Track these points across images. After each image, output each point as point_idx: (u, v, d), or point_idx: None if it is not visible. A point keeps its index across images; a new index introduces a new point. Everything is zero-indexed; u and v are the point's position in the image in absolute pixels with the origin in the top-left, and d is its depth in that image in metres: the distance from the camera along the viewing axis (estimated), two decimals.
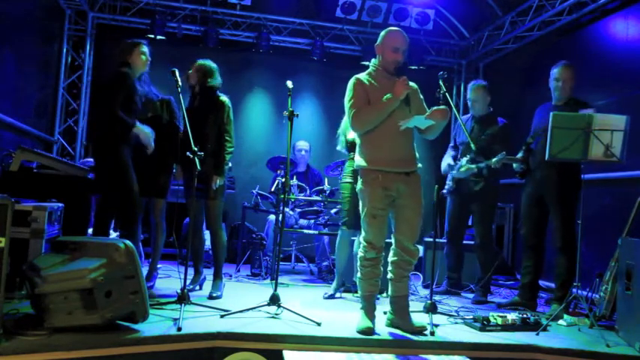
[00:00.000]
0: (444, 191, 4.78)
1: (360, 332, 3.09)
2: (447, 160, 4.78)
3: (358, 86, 3.24)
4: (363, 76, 3.30)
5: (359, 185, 3.25)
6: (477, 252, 4.60)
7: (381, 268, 3.26)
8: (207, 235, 4.68)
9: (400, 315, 3.27)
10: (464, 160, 4.46)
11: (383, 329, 3.28)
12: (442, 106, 3.12)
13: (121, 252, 2.78)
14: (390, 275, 3.28)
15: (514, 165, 4.24)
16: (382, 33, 3.31)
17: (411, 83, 3.29)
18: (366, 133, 3.22)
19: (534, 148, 4.17)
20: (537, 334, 3.35)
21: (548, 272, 4.53)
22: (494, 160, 4.20)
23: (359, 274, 3.25)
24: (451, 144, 4.90)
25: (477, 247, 4.58)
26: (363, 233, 3.22)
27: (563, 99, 4.12)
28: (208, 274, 4.62)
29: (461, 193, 4.60)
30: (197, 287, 4.29)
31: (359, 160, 3.25)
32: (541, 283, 4.50)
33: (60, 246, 2.97)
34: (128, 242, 2.86)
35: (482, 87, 4.67)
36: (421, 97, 3.37)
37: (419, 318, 3.38)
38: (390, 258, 3.27)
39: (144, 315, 2.88)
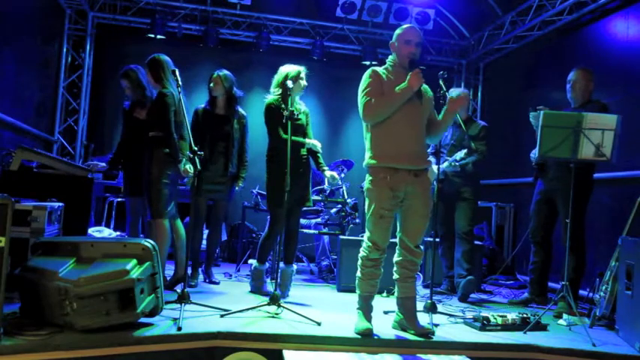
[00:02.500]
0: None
1: (360, 333, 3.07)
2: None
3: (374, 77, 3.20)
4: (379, 68, 3.27)
5: (366, 184, 3.21)
6: (460, 243, 4.65)
7: (382, 269, 3.24)
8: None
9: (408, 317, 3.24)
10: (461, 152, 4.51)
11: (381, 328, 3.27)
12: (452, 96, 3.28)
13: (148, 251, 2.89)
14: (395, 276, 3.26)
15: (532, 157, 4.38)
16: (396, 31, 3.31)
17: (425, 86, 3.29)
18: (376, 127, 3.17)
19: None
20: (524, 333, 3.36)
21: (554, 271, 4.54)
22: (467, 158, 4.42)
23: (359, 274, 3.22)
24: (430, 150, 4.96)
25: (461, 238, 4.64)
26: (367, 233, 3.19)
27: (577, 101, 4.17)
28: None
29: (446, 193, 4.64)
30: (194, 282, 4.33)
31: (368, 158, 3.21)
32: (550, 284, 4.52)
33: (51, 247, 2.98)
34: (151, 241, 2.97)
35: (467, 94, 4.96)
36: (433, 103, 3.36)
37: (419, 317, 3.37)
38: (395, 258, 3.26)
39: (161, 309, 3.03)
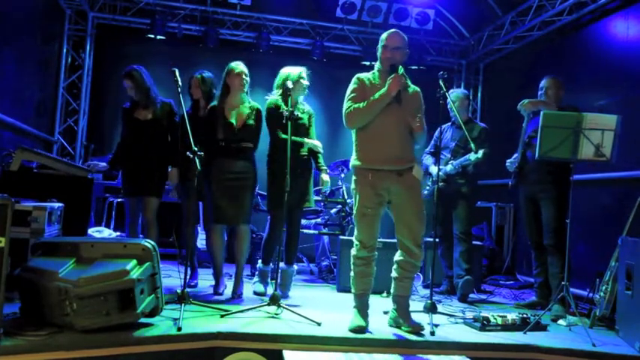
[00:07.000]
0: (426, 193, 4.86)
1: (352, 331, 3.10)
2: (428, 161, 4.92)
3: (358, 84, 3.30)
4: (364, 75, 3.35)
5: (351, 185, 3.32)
6: (458, 243, 4.65)
7: (375, 268, 3.29)
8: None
9: (402, 314, 3.30)
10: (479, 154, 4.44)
11: (381, 328, 3.28)
12: (417, 119, 3.23)
13: (148, 251, 2.90)
14: (393, 274, 3.32)
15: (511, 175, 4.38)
16: (381, 36, 3.37)
17: (415, 87, 3.37)
18: (359, 131, 3.28)
19: (529, 156, 4.22)
20: (524, 333, 3.36)
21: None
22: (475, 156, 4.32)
23: (352, 273, 3.29)
24: (430, 149, 4.99)
25: (459, 239, 4.65)
26: (355, 232, 3.28)
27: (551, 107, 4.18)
28: (206, 273, 4.64)
29: (445, 194, 4.63)
30: (194, 282, 4.35)
31: (352, 159, 3.31)
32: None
33: (51, 248, 2.98)
34: (151, 241, 2.97)
35: (467, 96, 5.01)
36: (422, 102, 3.38)
37: (419, 318, 3.38)
38: (396, 257, 3.31)
39: (161, 309, 3.04)
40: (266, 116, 4.12)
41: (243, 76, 3.96)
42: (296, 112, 4.02)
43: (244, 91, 4.01)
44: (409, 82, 3.33)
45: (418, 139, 3.33)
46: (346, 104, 3.25)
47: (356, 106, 3.19)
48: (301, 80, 4.11)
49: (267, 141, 4.21)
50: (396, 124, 3.22)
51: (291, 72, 4.12)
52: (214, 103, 3.99)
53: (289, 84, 3.79)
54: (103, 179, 5.99)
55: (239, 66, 3.97)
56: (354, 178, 3.30)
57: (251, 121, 3.96)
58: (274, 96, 4.14)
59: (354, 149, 3.32)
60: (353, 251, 3.28)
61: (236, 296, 3.97)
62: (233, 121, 3.91)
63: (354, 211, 3.27)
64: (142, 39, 7.05)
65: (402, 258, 3.26)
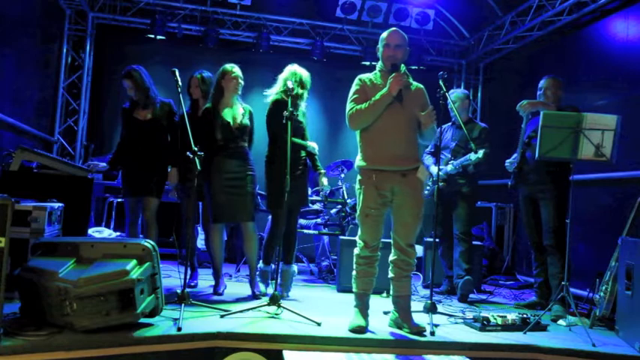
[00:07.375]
0: (426, 193, 4.87)
1: (352, 331, 3.10)
2: (428, 161, 4.92)
3: (360, 86, 3.30)
4: (366, 76, 3.35)
5: (356, 184, 3.32)
6: (458, 244, 4.66)
7: (377, 268, 3.29)
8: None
9: (402, 316, 3.28)
10: (480, 153, 4.43)
11: (381, 328, 3.28)
12: (427, 110, 3.19)
13: (147, 251, 2.90)
14: (390, 274, 3.32)
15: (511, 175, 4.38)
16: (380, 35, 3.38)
17: (417, 84, 3.37)
18: (363, 132, 3.28)
19: (528, 156, 4.22)
20: (524, 333, 3.36)
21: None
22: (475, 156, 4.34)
23: (354, 272, 3.30)
24: (430, 149, 5.00)
25: (459, 239, 4.66)
26: (358, 232, 3.29)
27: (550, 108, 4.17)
28: (206, 273, 4.64)
29: (445, 194, 4.64)
30: (194, 282, 4.37)
31: (357, 159, 3.31)
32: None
33: (51, 248, 2.98)
34: (151, 241, 2.98)
35: (467, 96, 5.02)
36: (426, 97, 3.37)
37: (419, 318, 3.38)
38: (390, 257, 3.31)
39: (161, 310, 3.04)
40: (269, 114, 4.08)
41: (239, 80, 4.01)
42: (296, 113, 4.00)
43: (238, 94, 4.06)
44: (411, 80, 3.32)
45: (427, 135, 3.29)
46: (349, 106, 3.26)
47: (358, 107, 3.19)
48: (304, 84, 4.11)
49: (264, 141, 4.21)
50: (398, 123, 3.21)
51: (296, 71, 4.12)
52: (208, 104, 4.01)
53: (289, 84, 3.77)
54: (103, 179, 5.99)
55: (234, 69, 4.01)
56: (358, 178, 3.30)
57: (246, 121, 4.03)
58: (276, 94, 4.11)
59: (359, 150, 3.32)
60: (356, 250, 3.29)
61: (255, 296, 4.00)
62: (229, 120, 3.95)
63: (358, 212, 3.28)
64: (142, 39, 7.05)
65: (395, 257, 3.27)
